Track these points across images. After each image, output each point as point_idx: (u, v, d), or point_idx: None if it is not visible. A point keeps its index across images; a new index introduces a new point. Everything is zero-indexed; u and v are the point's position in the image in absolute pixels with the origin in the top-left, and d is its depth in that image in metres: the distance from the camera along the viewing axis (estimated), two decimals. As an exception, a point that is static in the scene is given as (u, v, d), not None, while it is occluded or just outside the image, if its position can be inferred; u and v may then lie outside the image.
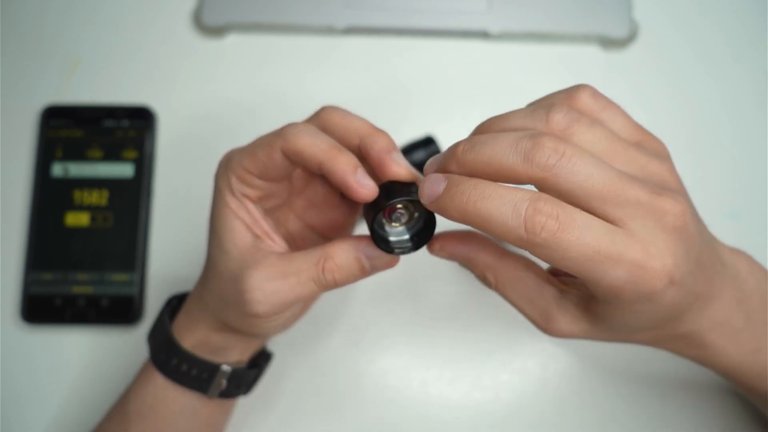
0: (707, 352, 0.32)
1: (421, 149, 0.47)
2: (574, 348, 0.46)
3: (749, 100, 0.51)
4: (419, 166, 0.46)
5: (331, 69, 0.52)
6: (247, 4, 0.52)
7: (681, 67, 0.52)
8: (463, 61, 0.52)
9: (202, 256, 0.37)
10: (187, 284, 0.42)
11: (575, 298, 0.31)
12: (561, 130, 0.28)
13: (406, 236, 0.32)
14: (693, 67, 0.52)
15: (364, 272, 0.33)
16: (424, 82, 0.51)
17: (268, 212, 0.35)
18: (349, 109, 0.34)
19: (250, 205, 0.34)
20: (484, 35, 0.52)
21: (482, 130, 0.31)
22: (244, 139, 0.35)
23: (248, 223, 0.34)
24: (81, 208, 0.48)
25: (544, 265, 0.33)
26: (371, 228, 0.31)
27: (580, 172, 0.26)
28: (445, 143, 0.48)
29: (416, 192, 0.29)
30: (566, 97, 0.30)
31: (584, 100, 0.30)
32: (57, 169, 0.49)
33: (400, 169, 0.31)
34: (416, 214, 0.31)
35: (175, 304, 0.39)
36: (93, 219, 0.48)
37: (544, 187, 0.27)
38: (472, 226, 0.27)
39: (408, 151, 0.47)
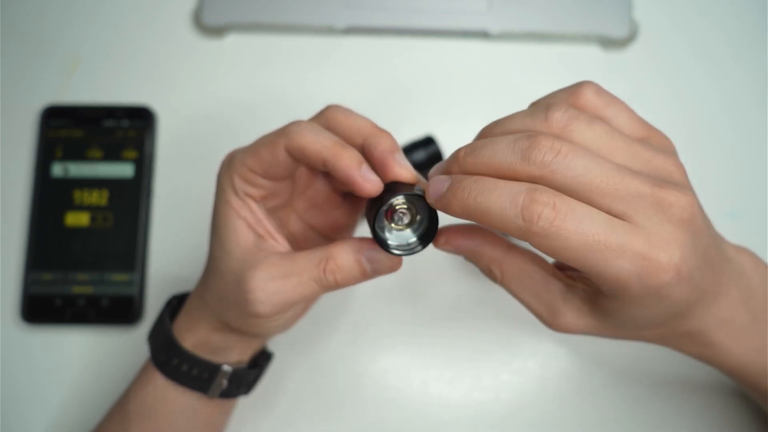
0: (712, 350, 0.32)
1: (421, 149, 0.47)
2: (574, 348, 0.46)
3: (749, 100, 0.51)
4: (419, 165, 0.47)
5: (331, 69, 0.52)
6: (247, 4, 0.52)
7: (681, 67, 0.52)
8: (463, 61, 0.52)
9: (202, 256, 0.37)
10: (187, 284, 0.42)
11: (582, 293, 0.31)
12: (560, 129, 0.28)
13: (412, 238, 0.32)
14: (693, 67, 0.52)
15: (365, 274, 0.33)
16: (424, 82, 0.51)
17: (271, 212, 0.35)
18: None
19: (253, 205, 0.34)
20: (484, 35, 0.52)
21: (484, 134, 0.31)
22: (245, 139, 0.35)
23: (251, 223, 0.34)
24: (81, 208, 0.48)
25: (551, 260, 0.33)
26: (373, 227, 0.31)
27: (577, 167, 0.26)
28: (445, 143, 0.48)
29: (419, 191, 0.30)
30: (569, 94, 0.30)
31: (587, 97, 0.30)
32: (57, 169, 0.49)
33: (402, 170, 0.31)
34: (418, 216, 0.31)
35: (175, 304, 0.39)
36: (93, 219, 0.48)
37: (544, 184, 0.27)
38: (474, 220, 0.27)
39: (408, 150, 0.47)
